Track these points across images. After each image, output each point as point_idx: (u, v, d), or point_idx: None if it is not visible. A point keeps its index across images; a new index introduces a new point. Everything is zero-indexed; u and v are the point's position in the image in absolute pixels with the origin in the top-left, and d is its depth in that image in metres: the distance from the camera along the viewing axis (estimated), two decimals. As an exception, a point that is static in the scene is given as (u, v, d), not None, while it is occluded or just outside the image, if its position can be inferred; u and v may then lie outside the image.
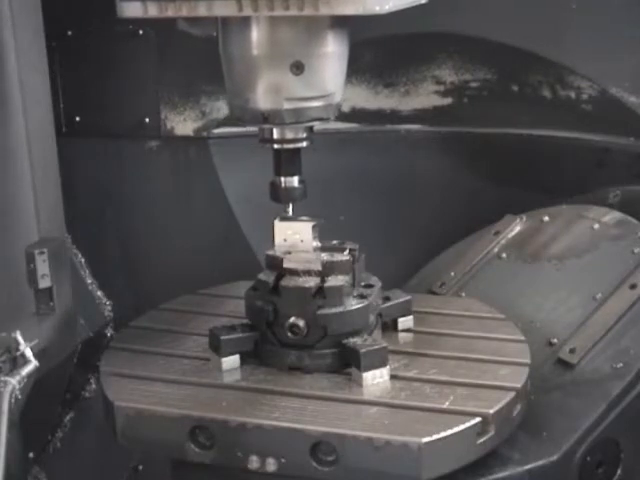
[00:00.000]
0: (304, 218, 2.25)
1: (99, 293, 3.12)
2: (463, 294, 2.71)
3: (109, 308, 3.12)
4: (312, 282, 2.14)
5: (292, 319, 2.11)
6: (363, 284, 2.25)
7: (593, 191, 2.83)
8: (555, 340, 2.39)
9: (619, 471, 2.25)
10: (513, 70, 2.97)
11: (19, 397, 2.13)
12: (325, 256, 2.20)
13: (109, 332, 3.09)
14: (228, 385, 2.13)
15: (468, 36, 2.91)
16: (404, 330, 2.37)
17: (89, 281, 3.10)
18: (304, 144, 2.20)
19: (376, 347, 2.10)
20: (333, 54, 2.10)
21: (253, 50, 2.07)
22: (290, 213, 2.25)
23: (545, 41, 2.82)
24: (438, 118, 3.10)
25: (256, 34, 2.06)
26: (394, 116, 3.13)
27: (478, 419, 1.95)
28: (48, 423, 2.88)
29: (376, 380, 2.09)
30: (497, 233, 2.82)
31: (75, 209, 2.79)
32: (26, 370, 2.16)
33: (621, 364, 2.26)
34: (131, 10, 2.01)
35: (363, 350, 2.08)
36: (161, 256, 3.18)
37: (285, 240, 2.25)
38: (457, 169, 3.10)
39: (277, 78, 2.08)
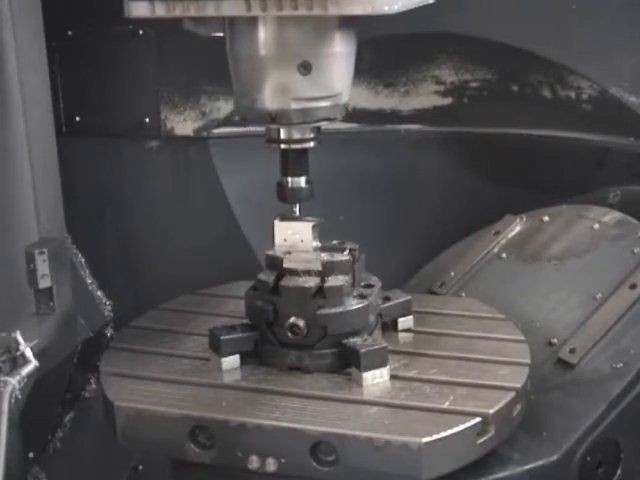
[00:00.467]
0: (309, 218, 2.25)
1: (99, 293, 3.12)
2: (463, 294, 2.71)
3: (109, 308, 3.12)
4: (312, 282, 2.14)
5: (292, 319, 2.11)
6: (363, 284, 2.25)
7: (593, 191, 2.83)
8: (555, 340, 2.39)
9: (619, 471, 2.25)
10: (513, 70, 2.97)
11: (19, 397, 2.13)
12: (325, 256, 2.20)
13: (109, 332, 3.09)
14: (228, 385, 2.13)
15: (468, 36, 2.91)
16: (404, 330, 2.37)
17: (89, 281, 3.10)
18: (311, 144, 2.20)
19: (376, 347, 2.10)
20: (341, 54, 2.10)
21: (260, 50, 2.07)
22: (297, 214, 2.24)
23: (545, 41, 2.82)
24: (438, 118, 3.10)
25: (264, 34, 2.05)
26: (394, 116, 3.13)
27: (478, 419, 1.95)
28: (48, 423, 2.88)
29: (376, 380, 2.09)
30: (497, 233, 2.82)
31: (75, 209, 2.79)
32: (26, 370, 2.16)
33: (621, 364, 2.26)
34: (139, 10, 2.01)
35: (363, 350, 2.08)
36: (161, 256, 3.18)
37: (285, 240, 2.25)
38: (457, 169, 3.10)
39: (284, 78, 2.08)
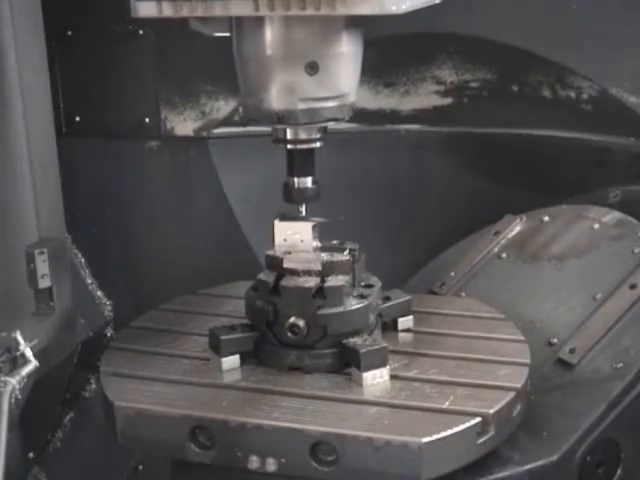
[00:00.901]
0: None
1: (99, 293, 3.12)
2: (463, 294, 2.71)
3: (109, 308, 3.13)
4: (312, 282, 2.14)
5: (292, 319, 2.11)
6: (363, 284, 2.25)
7: (593, 191, 2.83)
8: (555, 340, 2.39)
9: (619, 471, 2.25)
10: (513, 70, 2.97)
11: (19, 397, 2.14)
12: (325, 256, 2.20)
13: (109, 332, 3.09)
14: (228, 385, 2.13)
15: (468, 36, 2.91)
16: (404, 330, 2.37)
17: (89, 281, 3.11)
18: (318, 144, 2.19)
19: (376, 347, 2.10)
20: (348, 54, 2.10)
21: (268, 50, 2.06)
22: (303, 214, 2.24)
23: (545, 41, 2.82)
24: (438, 118, 3.10)
25: (271, 34, 2.05)
26: (394, 116, 3.13)
27: (478, 419, 1.95)
28: (48, 423, 2.88)
29: (376, 380, 2.09)
30: (497, 233, 2.82)
31: (75, 209, 2.79)
32: (26, 370, 2.16)
33: (621, 364, 2.26)
34: (146, 10, 2.00)
35: (363, 350, 2.08)
36: (161, 256, 3.18)
37: (285, 240, 2.25)
38: (457, 169, 3.10)
39: (292, 78, 2.07)
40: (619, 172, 2.83)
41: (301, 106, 2.10)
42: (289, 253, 2.22)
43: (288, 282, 2.15)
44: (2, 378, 2.11)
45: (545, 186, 2.95)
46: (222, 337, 2.17)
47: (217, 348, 2.18)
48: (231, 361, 2.18)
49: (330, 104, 2.13)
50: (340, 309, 2.13)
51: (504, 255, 2.76)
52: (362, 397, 2.05)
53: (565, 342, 2.37)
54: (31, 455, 2.71)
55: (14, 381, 2.11)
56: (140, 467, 3.01)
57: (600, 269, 2.51)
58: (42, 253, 2.36)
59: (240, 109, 3.08)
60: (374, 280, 2.28)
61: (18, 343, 2.18)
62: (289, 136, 2.18)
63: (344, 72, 2.11)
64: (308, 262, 2.18)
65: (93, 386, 3.00)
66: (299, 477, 1.95)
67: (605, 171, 2.87)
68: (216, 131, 3.10)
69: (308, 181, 2.22)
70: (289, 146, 2.19)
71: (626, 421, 2.22)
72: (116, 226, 3.18)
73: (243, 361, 2.19)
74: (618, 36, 2.75)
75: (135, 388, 2.12)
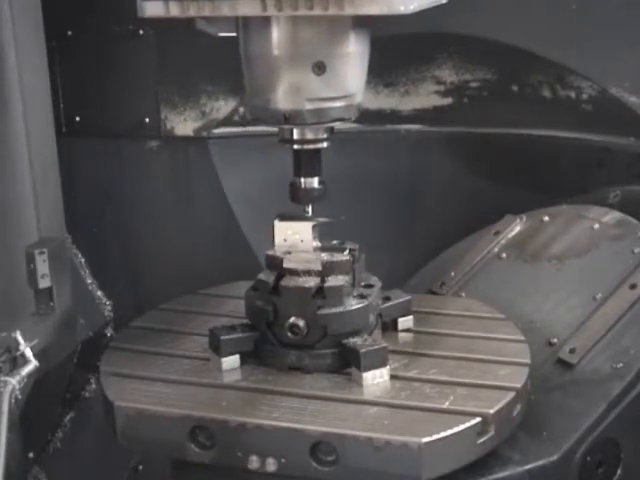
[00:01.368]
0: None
1: (99, 293, 3.12)
2: (463, 294, 2.71)
3: (109, 308, 3.13)
4: (312, 282, 2.14)
5: (292, 319, 2.11)
6: (363, 284, 2.25)
7: (593, 191, 2.83)
8: (555, 340, 2.39)
9: (619, 471, 2.25)
10: (513, 70, 2.97)
11: (19, 397, 2.14)
12: (325, 256, 2.20)
13: (109, 332, 3.09)
14: (228, 385, 2.13)
15: (468, 36, 2.91)
16: (404, 330, 2.37)
17: (89, 281, 3.11)
18: (324, 145, 2.19)
19: (376, 347, 2.10)
20: (355, 54, 2.10)
21: (275, 50, 2.06)
22: (310, 214, 2.24)
23: (545, 41, 2.82)
24: (438, 118, 3.10)
25: (278, 34, 2.04)
26: (394, 116, 3.13)
27: (478, 419, 1.95)
28: (48, 423, 2.88)
29: (376, 380, 2.09)
30: (497, 233, 2.82)
31: (75, 209, 2.79)
32: (26, 370, 2.16)
33: (621, 364, 2.26)
34: (153, 10, 1.99)
35: (363, 350, 2.08)
36: (161, 256, 3.18)
37: (285, 240, 2.25)
38: (457, 169, 3.10)
39: (299, 78, 2.07)
40: (619, 172, 2.84)
41: (308, 106, 2.09)
42: (289, 253, 2.22)
43: (288, 282, 2.15)
44: (2, 378, 2.11)
45: (545, 186, 2.95)
46: (222, 337, 2.17)
47: (217, 348, 2.18)
48: (231, 361, 2.18)
49: (337, 104, 2.12)
50: (340, 309, 2.13)
51: (504, 255, 2.76)
52: (362, 397, 2.05)
53: (565, 342, 2.37)
54: (31, 455, 2.71)
55: (14, 381, 2.11)
56: (140, 467, 3.01)
57: (600, 269, 2.51)
58: (42, 253, 2.35)
59: (240, 109, 3.08)
60: (374, 280, 2.28)
61: (18, 343, 2.18)
62: (296, 136, 2.17)
63: (351, 72, 2.11)
64: (308, 262, 2.18)
65: (93, 386, 3.00)
66: (299, 477, 1.95)
67: (605, 171, 2.87)
68: (216, 131, 3.10)
69: (314, 181, 2.22)
70: (295, 146, 2.19)
71: (626, 421, 2.22)
72: (116, 226, 3.18)
73: (243, 361, 2.19)
74: (618, 36, 2.75)
75: (135, 388, 2.12)
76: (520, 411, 2.08)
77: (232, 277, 2.63)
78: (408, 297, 2.39)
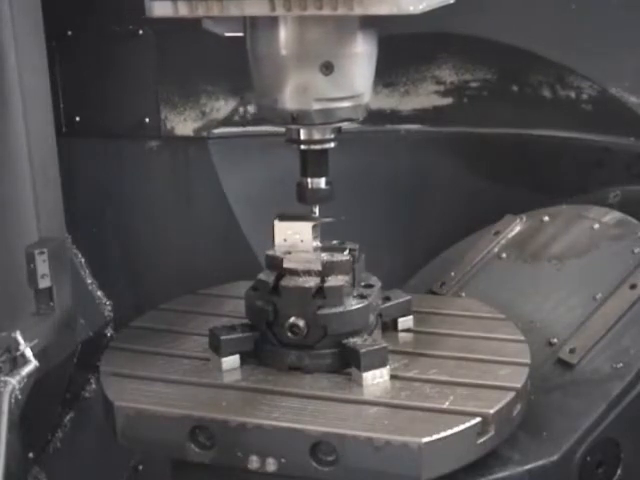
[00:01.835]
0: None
1: (99, 293, 3.12)
2: (463, 294, 2.71)
3: (109, 308, 3.13)
4: (312, 282, 2.14)
5: (292, 319, 2.11)
6: (363, 284, 2.25)
7: (593, 191, 2.83)
8: (555, 340, 2.39)
9: (619, 471, 2.25)
10: (513, 70, 2.97)
11: (19, 397, 2.14)
12: (325, 256, 2.20)
13: (109, 332, 3.09)
14: (228, 385, 2.13)
15: (468, 36, 2.91)
16: (404, 330, 2.37)
17: (89, 281, 3.11)
18: (331, 145, 2.19)
19: (376, 347, 2.10)
20: (362, 54, 2.10)
21: (282, 50, 2.06)
22: (316, 215, 2.24)
23: (545, 41, 2.82)
24: (438, 118, 3.10)
25: (286, 34, 2.04)
26: (394, 116, 3.12)
27: (478, 419, 1.95)
28: (48, 423, 2.88)
29: (376, 380, 2.09)
30: (497, 233, 2.82)
31: (75, 209, 2.79)
32: (26, 370, 2.16)
33: (621, 364, 2.26)
34: (161, 10, 1.99)
35: (363, 350, 2.08)
36: (161, 256, 3.18)
37: (285, 240, 2.25)
38: (457, 169, 3.10)
39: (306, 78, 2.07)
40: (619, 172, 2.83)
41: (316, 106, 2.09)
42: (289, 253, 2.22)
43: (288, 282, 2.15)
44: (2, 378, 2.11)
45: (545, 186, 2.95)
46: (222, 337, 2.17)
47: (217, 348, 2.18)
48: (231, 361, 2.18)
49: (345, 104, 2.12)
50: (340, 309, 2.13)
51: (504, 255, 2.76)
52: (362, 397, 2.05)
53: (565, 342, 2.37)
54: (31, 455, 2.71)
55: (14, 381, 2.11)
56: (140, 467, 3.01)
57: (600, 269, 2.51)
58: (42, 253, 2.35)
59: (240, 109, 3.08)
60: (374, 280, 2.28)
61: (18, 343, 2.18)
62: (303, 136, 2.17)
63: (359, 72, 2.11)
64: (308, 262, 2.18)
65: (93, 386, 3.00)
66: (299, 477, 1.95)
67: (605, 171, 2.87)
68: (216, 131, 3.10)
69: (322, 182, 2.22)
70: (302, 147, 2.18)
71: (626, 421, 2.22)
72: (116, 226, 3.18)
73: (243, 361, 2.19)
74: (618, 36, 2.75)
75: (135, 388, 2.12)
76: (520, 411, 2.08)
77: (232, 277, 2.63)
78: (408, 297, 2.39)
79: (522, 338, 2.31)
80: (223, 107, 3.08)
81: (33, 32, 2.45)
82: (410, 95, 3.11)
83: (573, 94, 2.90)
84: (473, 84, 3.03)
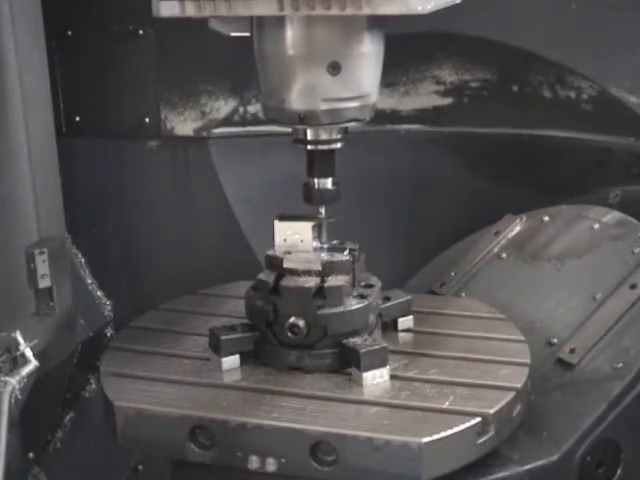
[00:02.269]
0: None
1: (99, 293, 3.12)
2: (463, 294, 2.71)
3: (109, 308, 3.12)
4: (312, 282, 2.14)
5: (292, 319, 2.11)
6: (363, 284, 2.25)
7: (593, 191, 2.83)
8: (555, 340, 2.39)
9: (619, 471, 2.25)
10: (513, 70, 2.97)
11: (19, 397, 2.13)
12: (325, 256, 2.20)
13: (109, 332, 3.09)
14: (228, 385, 2.13)
15: (468, 36, 2.91)
16: (404, 330, 2.37)
17: (89, 281, 3.10)
18: (338, 145, 2.19)
19: (376, 347, 2.10)
20: (370, 54, 2.09)
21: (290, 50, 2.05)
22: (323, 215, 2.23)
23: (545, 41, 2.82)
24: (438, 118, 3.10)
25: (293, 34, 2.04)
26: (394, 116, 3.12)
27: (478, 419, 1.95)
28: (48, 423, 2.87)
29: (376, 380, 2.09)
30: (497, 233, 2.83)
31: (75, 209, 2.79)
32: (26, 370, 2.16)
33: (621, 364, 2.26)
34: (168, 10, 1.98)
35: (363, 350, 2.08)
36: (161, 256, 3.18)
37: (285, 240, 2.25)
38: (457, 169, 3.10)
39: (313, 78, 2.06)
40: (619, 172, 2.83)
41: (323, 106, 2.09)
42: (289, 253, 2.22)
43: (288, 282, 2.15)
44: (2, 378, 2.10)
45: (545, 186, 2.95)
46: (222, 337, 2.17)
47: (217, 348, 2.18)
48: (231, 361, 2.18)
49: (352, 104, 2.12)
50: (340, 309, 2.13)
51: (504, 255, 2.76)
52: (362, 397, 2.05)
53: (565, 342, 2.37)
54: (31, 455, 2.70)
55: (14, 381, 2.11)
56: (140, 467, 3.01)
57: (600, 269, 2.51)
58: (42, 253, 2.35)
59: (240, 109, 3.08)
60: (374, 280, 2.28)
61: (18, 343, 2.18)
62: (310, 137, 2.16)
63: (366, 72, 2.11)
64: (308, 262, 2.18)
65: (93, 386, 3.00)
66: (299, 477, 1.95)
67: (605, 171, 2.87)
68: (216, 131, 3.10)
69: (328, 182, 2.21)
70: (309, 147, 2.18)
71: (626, 421, 2.22)
72: (116, 226, 3.18)
73: (243, 361, 2.19)
74: (618, 36, 2.75)
75: (135, 388, 2.12)
76: (520, 411, 2.08)
77: (232, 277, 2.63)
78: (408, 297, 2.39)
79: (522, 338, 2.31)
80: (223, 107, 3.07)
81: (33, 32, 2.45)
82: (410, 95, 3.11)
83: (573, 94, 2.90)
84: (473, 84, 3.03)
